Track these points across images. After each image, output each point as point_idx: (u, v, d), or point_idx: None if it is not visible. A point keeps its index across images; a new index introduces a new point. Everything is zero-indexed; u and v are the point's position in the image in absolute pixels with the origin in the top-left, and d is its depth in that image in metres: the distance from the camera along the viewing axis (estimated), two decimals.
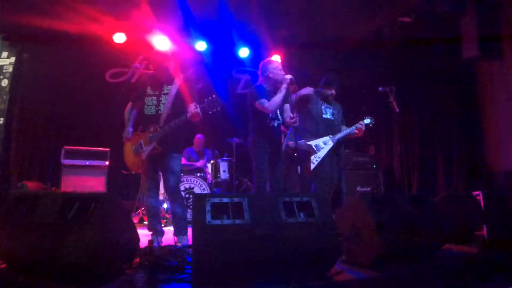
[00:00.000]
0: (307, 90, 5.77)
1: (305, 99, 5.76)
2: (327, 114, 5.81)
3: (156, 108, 4.97)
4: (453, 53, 7.78)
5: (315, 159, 5.52)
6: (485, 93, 8.08)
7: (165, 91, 5.01)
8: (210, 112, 4.81)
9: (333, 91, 5.88)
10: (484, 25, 7.12)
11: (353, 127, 5.87)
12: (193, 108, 4.72)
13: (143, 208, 7.52)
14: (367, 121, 6.02)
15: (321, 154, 5.56)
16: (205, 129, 8.70)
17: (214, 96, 4.79)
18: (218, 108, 4.81)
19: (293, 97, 5.50)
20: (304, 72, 6.27)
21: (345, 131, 5.84)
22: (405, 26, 8.40)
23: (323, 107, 5.79)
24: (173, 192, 4.94)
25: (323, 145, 5.61)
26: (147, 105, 5.02)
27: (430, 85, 9.14)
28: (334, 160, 5.72)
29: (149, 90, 5.08)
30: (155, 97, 5.02)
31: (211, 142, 9.21)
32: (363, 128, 5.90)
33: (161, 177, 5.29)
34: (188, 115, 4.73)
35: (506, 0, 7.13)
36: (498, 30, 7.22)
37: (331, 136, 5.68)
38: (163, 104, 4.95)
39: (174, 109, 4.93)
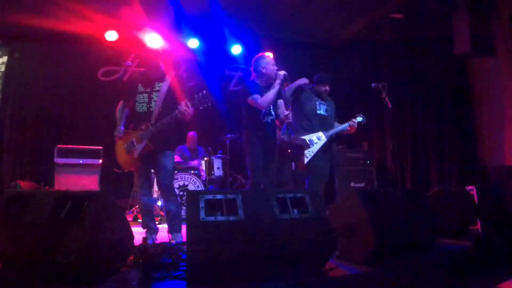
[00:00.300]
0: (303, 81, 5.77)
1: (300, 90, 5.77)
2: (321, 110, 5.82)
3: (148, 106, 4.92)
4: (446, 49, 7.80)
5: (308, 154, 5.54)
6: (477, 88, 8.12)
7: (157, 88, 4.96)
8: (201, 108, 4.78)
9: (327, 88, 5.90)
10: (476, 21, 7.15)
11: (346, 124, 5.90)
12: (183, 105, 4.70)
13: (137, 206, 7.50)
14: (359, 118, 6.04)
15: (315, 149, 5.57)
16: (198, 126, 8.67)
17: (204, 91, 4.76)
18: (209, 104, 4.78)
19: (287, 89, 5.50)
20: (296, 69, 6.26)
21: (338, 127, 5.87)
22: (397, 22, 8.42)
23: (317, 103, 5.81)
24: (166, 190, 4.93)
25: (317, 140, 5.62)
26: (139, 103, 4.97)
27: (423, 80, 9.18)
28: (326, 155, 5.73)
29: (140, 88, 5.02)
30: (147, 95, 4.97)
31: (204, 140, 9.20)
32: (355, 125, 5.93)
33: (154, 174, 5.28)
34: (177, 112, 4.70)
35: None
36: (489, 26, 7.25)
37: (324, 131, 5.69)
38: (155, 101, 4.91)
39: (165, 106, 4.89)
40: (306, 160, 5.54)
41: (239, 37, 9.57)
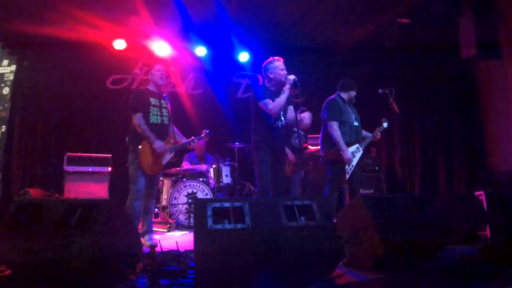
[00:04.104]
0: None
1: (334, 103, 5.82)
2: (355, 121, 5.83)
3: (161, 118, 5.32)
4: (452, 53, 7.79)
5: (349, 168, 5.56)
6: (484, 92, 8.10)
7: (164, 105, 5.44)
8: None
9: (355, 93, 5.92)
10: (482, 24, 7.14)
11: (372, 135, 6.01)
12: (194, 142, 5.70)
13: None
14: (385, 124, 6.06)
15: (354, 162, 5.62)
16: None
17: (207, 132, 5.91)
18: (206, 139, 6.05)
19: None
20: (303, 74, 6.24)
21: (368, 139, 5.95)
22: (404, 27, 8.42)
23: (353, 114, 5.82)
24: (154, 193, 5.58)
25: (355, 154, 5.65)
26: (153, 115, 5.27)
27: (430, 85, 9.16)
28: (358, 165, 5.78)
29: (152, 101, 5.30)
30: (157, 108, 5.33)
31: (212, 147, 9.19)
32: (379, 136, 6.00)
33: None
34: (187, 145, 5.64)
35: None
36: (495, 30, 7.24)
37: (358, 145, 5.75)
38: (166, 116, 5.41)
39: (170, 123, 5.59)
40: (347, 176, 5.57)
41: (247, 44, 9.59)
